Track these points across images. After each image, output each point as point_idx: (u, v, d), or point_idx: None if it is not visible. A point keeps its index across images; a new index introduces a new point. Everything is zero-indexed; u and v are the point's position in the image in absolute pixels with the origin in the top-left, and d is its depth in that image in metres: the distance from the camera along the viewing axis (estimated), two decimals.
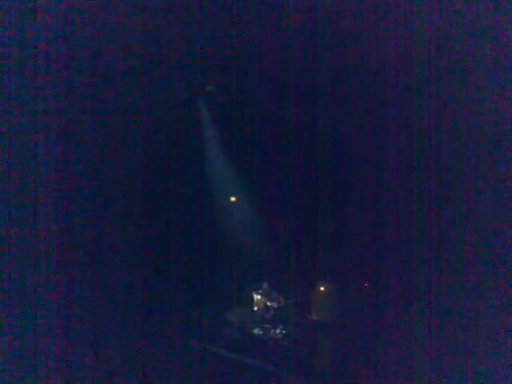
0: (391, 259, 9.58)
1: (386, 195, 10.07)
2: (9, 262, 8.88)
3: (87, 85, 10.19)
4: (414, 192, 9.22)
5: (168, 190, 11.61)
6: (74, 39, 9.91)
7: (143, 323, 10.55)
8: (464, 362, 8.19)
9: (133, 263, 10.90)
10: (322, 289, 11.14)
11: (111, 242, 10.70)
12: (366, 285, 10.77)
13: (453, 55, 8.82)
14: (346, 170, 11.29)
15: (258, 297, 11.56)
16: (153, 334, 10.41)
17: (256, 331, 11.08)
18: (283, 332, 10.97)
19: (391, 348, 9.14)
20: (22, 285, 9.01)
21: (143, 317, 10.63)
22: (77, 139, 10.24)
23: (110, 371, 9.68)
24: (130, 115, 10.95)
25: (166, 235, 11.47)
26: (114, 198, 10.80)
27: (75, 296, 9.78)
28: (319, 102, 11.43)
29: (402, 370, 8.77)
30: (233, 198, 12.60)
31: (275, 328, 11.05)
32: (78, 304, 9.81)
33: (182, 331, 10.82)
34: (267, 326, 11.15)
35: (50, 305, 9.40)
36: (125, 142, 10.90)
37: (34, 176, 9.42)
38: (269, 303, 11.48)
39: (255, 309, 11.55)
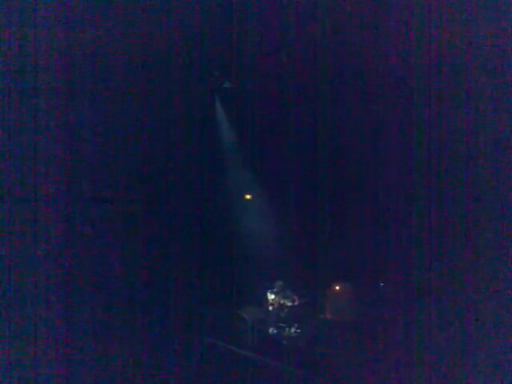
0: (405, 258, 9.45)
1: (399, 197, 10.01)
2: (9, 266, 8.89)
3: (100, 84, 10.25)
4: (425, 194, 9.16)
5: (183, 190, 11.62)
6: (92, 36, 9.99)
7: (156, 321, 10.54)
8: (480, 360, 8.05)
9: (147, 260, 10.92)
10: (336, 287, 11.03)
11: (128, 237, 10.74)
12: (381, 283, 10.66)
13: (453, 56, 8.72)
14: (363, 173, 11.22)
15: (272, 295, 11.43)
16: (166, 332, 10.39)
17: (270, 330, 10.99)
18: (298, 331, 10.85)
19: (404, 346, 9.01)
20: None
21: (156, 315, 10.64)
22: (93, 142, 10.30)
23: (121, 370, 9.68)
24: (143, 115, 10.98)
25: (180, 233, 11.48)
26: (130, 198, 10.84)
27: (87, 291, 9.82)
28: (342, 102, 11.35)
29: (416, 367, 8.63)
30: (248, 196, 12.55)
31: (290, 327, 10.94)
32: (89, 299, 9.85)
33: (196, 329, 10.79)
34: (282, 324, 11.04)
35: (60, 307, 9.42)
36: (138, 142, 10.94)
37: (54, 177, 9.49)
38: (283, 302, 11.35)
39: (269, 307, 11.43)
